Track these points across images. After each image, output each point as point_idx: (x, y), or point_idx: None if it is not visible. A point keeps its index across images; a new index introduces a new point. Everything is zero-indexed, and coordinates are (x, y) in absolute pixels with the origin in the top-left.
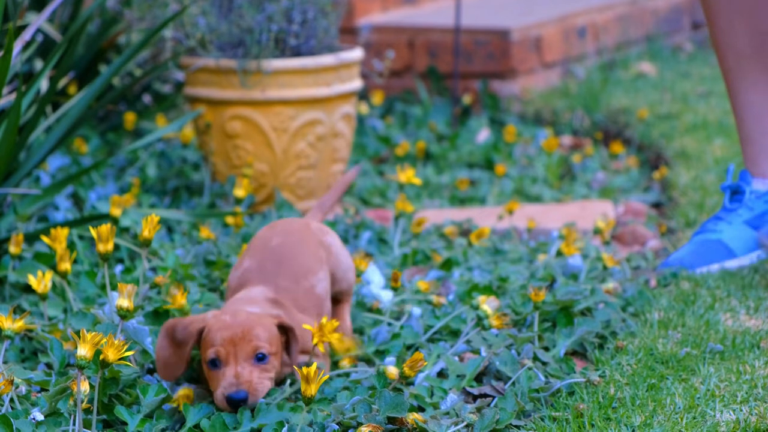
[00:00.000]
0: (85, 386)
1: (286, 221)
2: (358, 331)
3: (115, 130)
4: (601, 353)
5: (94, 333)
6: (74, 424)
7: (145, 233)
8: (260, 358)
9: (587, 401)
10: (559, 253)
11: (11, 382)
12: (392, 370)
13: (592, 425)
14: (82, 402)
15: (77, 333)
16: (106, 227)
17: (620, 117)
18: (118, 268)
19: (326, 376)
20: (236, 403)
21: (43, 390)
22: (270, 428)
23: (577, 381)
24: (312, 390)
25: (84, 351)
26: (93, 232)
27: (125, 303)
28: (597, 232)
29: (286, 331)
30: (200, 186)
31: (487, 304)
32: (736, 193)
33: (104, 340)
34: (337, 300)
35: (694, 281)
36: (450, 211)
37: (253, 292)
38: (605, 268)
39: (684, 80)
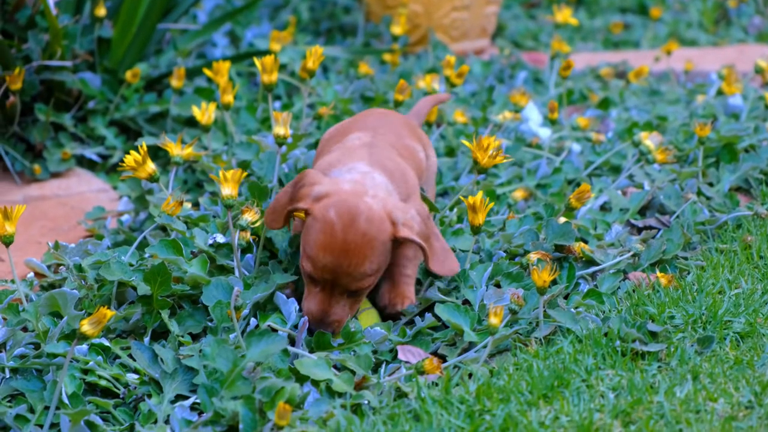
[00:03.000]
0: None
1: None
2: (518, 164)
3: None
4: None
5: (234, 171)
6: (238, 251)
7: (309, 64)
8: (355, 293)
9: (755, 234)
10: (718, 94)
11: (181, 203)
12: None
13: (761, 257)
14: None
15: (242, 163)
16: (269, 58)
17: None
18: (277, 104)
19: (492, 204)
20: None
21: (215, 216)
22: None
23: (743, 214)
24: (479, 219)
25: (228, 190)
26: (257, 63)
27: (281, 130)
28: (758, 71)
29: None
30: (353, 27)
31: (650, 140)
32: None
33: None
34: None
35: None
36: (604, 54)
37: (350, 141)
38: (767, 107)
39: None
